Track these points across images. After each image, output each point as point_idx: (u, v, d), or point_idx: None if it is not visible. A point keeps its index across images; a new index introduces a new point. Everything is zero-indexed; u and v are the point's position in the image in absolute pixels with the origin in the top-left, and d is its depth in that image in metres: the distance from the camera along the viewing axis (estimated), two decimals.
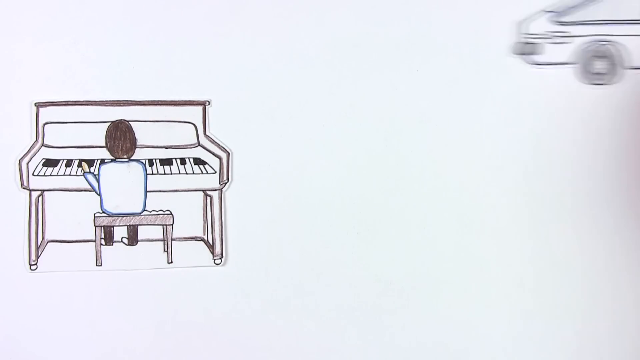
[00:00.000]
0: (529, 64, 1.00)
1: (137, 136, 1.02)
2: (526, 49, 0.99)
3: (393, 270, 1.04)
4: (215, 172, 1.02)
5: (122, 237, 1.03)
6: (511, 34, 1.00)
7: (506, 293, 1.04)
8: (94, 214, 1.02)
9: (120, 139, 1.01)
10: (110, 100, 1.01)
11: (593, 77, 1.00)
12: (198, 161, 1.03)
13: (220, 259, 1.03)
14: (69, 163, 1.02)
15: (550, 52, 1.01)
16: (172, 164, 1.03)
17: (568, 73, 1.02)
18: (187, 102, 1.02)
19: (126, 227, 1.03)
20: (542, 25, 1.00)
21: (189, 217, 1.03)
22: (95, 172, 1.01)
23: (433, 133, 1.02)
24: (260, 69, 1.02)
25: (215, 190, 1.03)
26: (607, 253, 1.03)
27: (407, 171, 1.03)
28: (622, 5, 1.00)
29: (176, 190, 1.02)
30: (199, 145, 1.03)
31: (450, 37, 1.00)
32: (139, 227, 1.03)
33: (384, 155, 1.03)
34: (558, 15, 0.99)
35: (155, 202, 1.03)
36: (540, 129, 1.02)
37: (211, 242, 1.03)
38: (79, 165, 1.01)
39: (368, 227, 1.04)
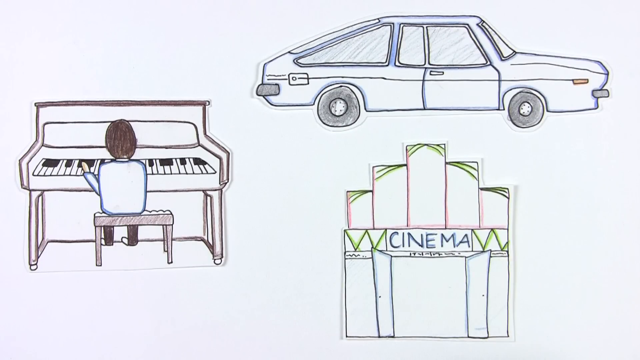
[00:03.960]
0: (270, 105, 1.02)
1: (137, 136, 1.02)
2: (267, 90, 1.00)
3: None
4: (215, 172, 1.02)
5: (122, 237, 1.03)
6: (254, 75, 1.01)
7: None
8: (94, 214, 1.02)
9: (120, 139, 1.01)
10: (110, 100, 1.01)
11: (334, 119, 1.02)
12: (198, 161, 1.03)
13: (220, 259, 1.03)
14: (69, 163, 1.02)
15: (290, 93, 1.02)
16: (172, 164, 1.03)
17: (307, 114, 1.03)
18: (187, 102, 1.02)
19: (126, 227, 1.03)
20: (284, 66, 1.01)
21: (189, 217, 1.03)
22: (95, 172, 1.01)
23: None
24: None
25: (215, 190, 1.03)
26: None
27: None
28: (362, 48, 1.02)
29: (176, 190, 1.02)
30: (199, 145, 1.03)
31: None
32: (139, 227, 1.03)
33: (384, 154, 1.03)
34: (298, 57, 1.00)
35: (155, 202, 1.03)
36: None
37: (211, 242, 1.03)
38: (79, 165, 1.01)
39: None
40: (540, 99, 1.02)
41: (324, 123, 1.03)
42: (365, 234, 1.04)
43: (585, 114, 1.03)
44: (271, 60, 1.02)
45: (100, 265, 1.03)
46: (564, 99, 1.03)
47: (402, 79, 1.02)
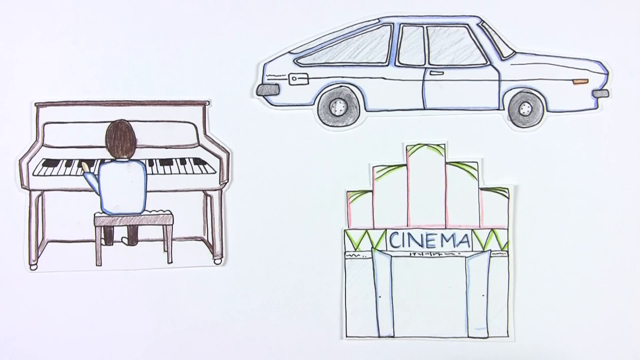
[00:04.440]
0: (270, 105, 1.02)
1: (137, 136, 1.02)
2: (267, 90, 1.00)
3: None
4: (215, 172, 1.02)
5: (122, 237, 1.03)
6: (254, 75, 1.01)
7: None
8: (94, 214, 1.02)
9: (120, 139, 1.01)
10: (110, 100, 1.01)
11: (334, 119, 1.02)
12: (198, 161, 1.03)
13: (220, 259, 1.03)
14: (69, 163, 1.02)
15: (290, 93, 1.02)
16: (172, 164, 1.03)
17: (307, 114, 1.03)
18: (187, 102, 1.02)
19: (126, 227, 1.03)
20: (284, 66, 1.01)
21: (189, 217, 1.03)
22: (95, 172, 1.01)
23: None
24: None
25: (215, 190, 1.03)
26: None
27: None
28: (362, 48, 1.02)
29: (176, 190, 1.02)
30: (199, 145, 1.03)
31: None
32: (139, 227, 1.03)
33: (384, 154, 1.03)
34: (298, 57, 1.00)
35: (155, 202, 1.03)
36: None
37: (211, 242, 1.03)
38: (79, 165, 1.01)
39: None
40: (540, 99, 1.02)
41: (324, 123, 1.03)
42: (365, 234, 1.04)
43: (585, 114, 1.03)
44: (271, 60, 1.02)
45: (100, 265, 1.03)
46: (564, 99, 1.03)
47: (402, 79, 1.02)
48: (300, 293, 1.04)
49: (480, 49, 1.02)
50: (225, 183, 1.03)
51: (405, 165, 1.03)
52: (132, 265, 1.03)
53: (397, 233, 1.04)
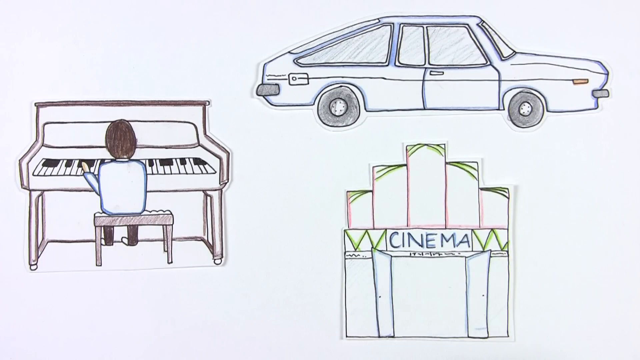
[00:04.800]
0: (270, 105, 1.02)
1: (137, 136, 1.02)
2: (267, 90, 1.00)
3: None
4: (215, 172, 1.02)
5: (122, 237, 1.03)
6: (254, 75, 1.01)
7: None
8: (94, 214, 1.02)
9: (120, 139, 1.01)
10: (110, 100, 1.01)
11: (334, 119, 1.02)
12: (198, 161, 1.03)
13: (220, 259, 1.03)
14: (69, 163, 1.02)
15: (290, 93, 1.02)
16: (172, 164, 1.03)
17: (307, 114, 1.03)
18: (187, 102, 1.02)
19: (126, 227, 1.03)
20: (284, 66, 1.02)
21: (189, 217, 1.03)
22: (95, 172, 1.01)
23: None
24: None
25: (215, 190, 1.03)
26: None
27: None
28: (362, 48, 1.02)
29: (176, 190, 1.02)
30: (199, 145, 1.03)
31: None
32: (139, 227, 1.03)
33: (384, 154, 1.03)
34: (298, 57, 1.00)
35: (155, 202, 1.03)
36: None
37: (211, 242, 1.03)
38: (79, 165, 1.01)
39: None
40: (540, 99, 1.02)
41: (324, 123, 1.03)
42: (365, 234, 1.04)
43: (585, 114, 1.03)
44: (271, 60, 1.02)
45: (100, 265, 1.03)
46: (564, 99, 1.03)
47: (402, 79, 1.02)
48: (300, 293, 1.04)
49: (480, 49, 1.02)
50: (225, 183, 1.03)
51: (405, 165, 1.03)
52: (132, 265, 1.03)
53: (397, 233, 1.04)
